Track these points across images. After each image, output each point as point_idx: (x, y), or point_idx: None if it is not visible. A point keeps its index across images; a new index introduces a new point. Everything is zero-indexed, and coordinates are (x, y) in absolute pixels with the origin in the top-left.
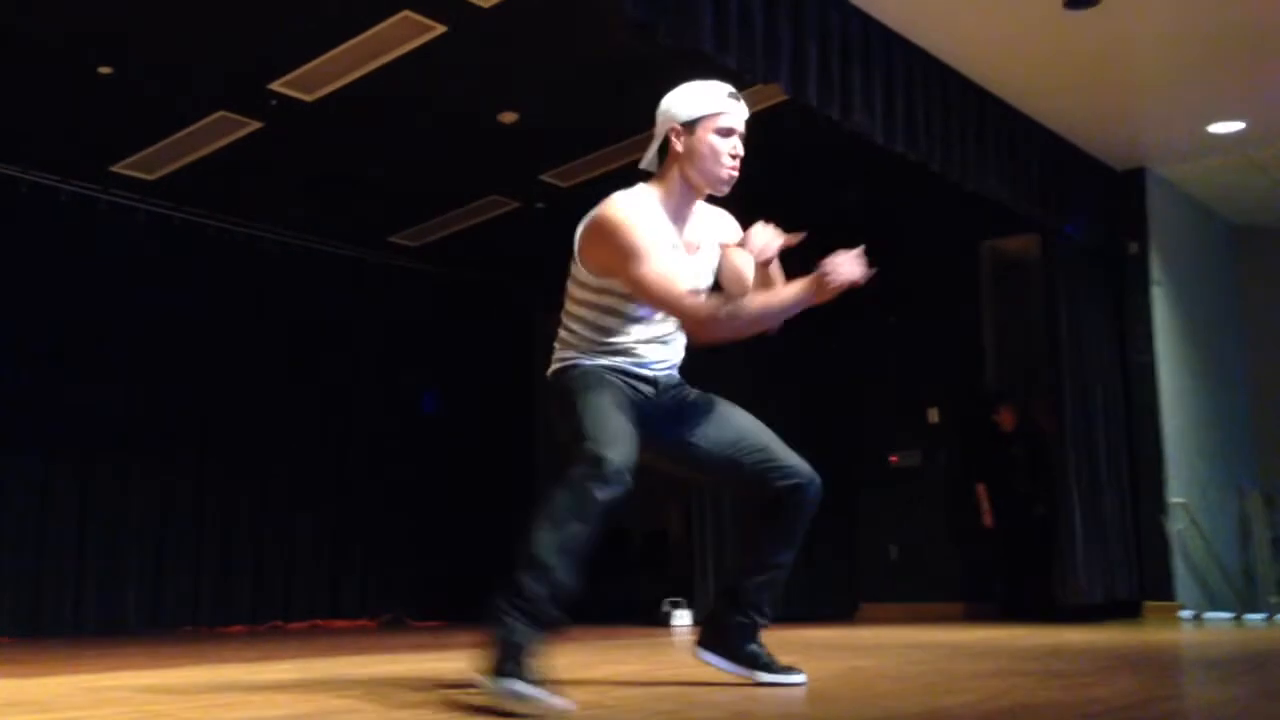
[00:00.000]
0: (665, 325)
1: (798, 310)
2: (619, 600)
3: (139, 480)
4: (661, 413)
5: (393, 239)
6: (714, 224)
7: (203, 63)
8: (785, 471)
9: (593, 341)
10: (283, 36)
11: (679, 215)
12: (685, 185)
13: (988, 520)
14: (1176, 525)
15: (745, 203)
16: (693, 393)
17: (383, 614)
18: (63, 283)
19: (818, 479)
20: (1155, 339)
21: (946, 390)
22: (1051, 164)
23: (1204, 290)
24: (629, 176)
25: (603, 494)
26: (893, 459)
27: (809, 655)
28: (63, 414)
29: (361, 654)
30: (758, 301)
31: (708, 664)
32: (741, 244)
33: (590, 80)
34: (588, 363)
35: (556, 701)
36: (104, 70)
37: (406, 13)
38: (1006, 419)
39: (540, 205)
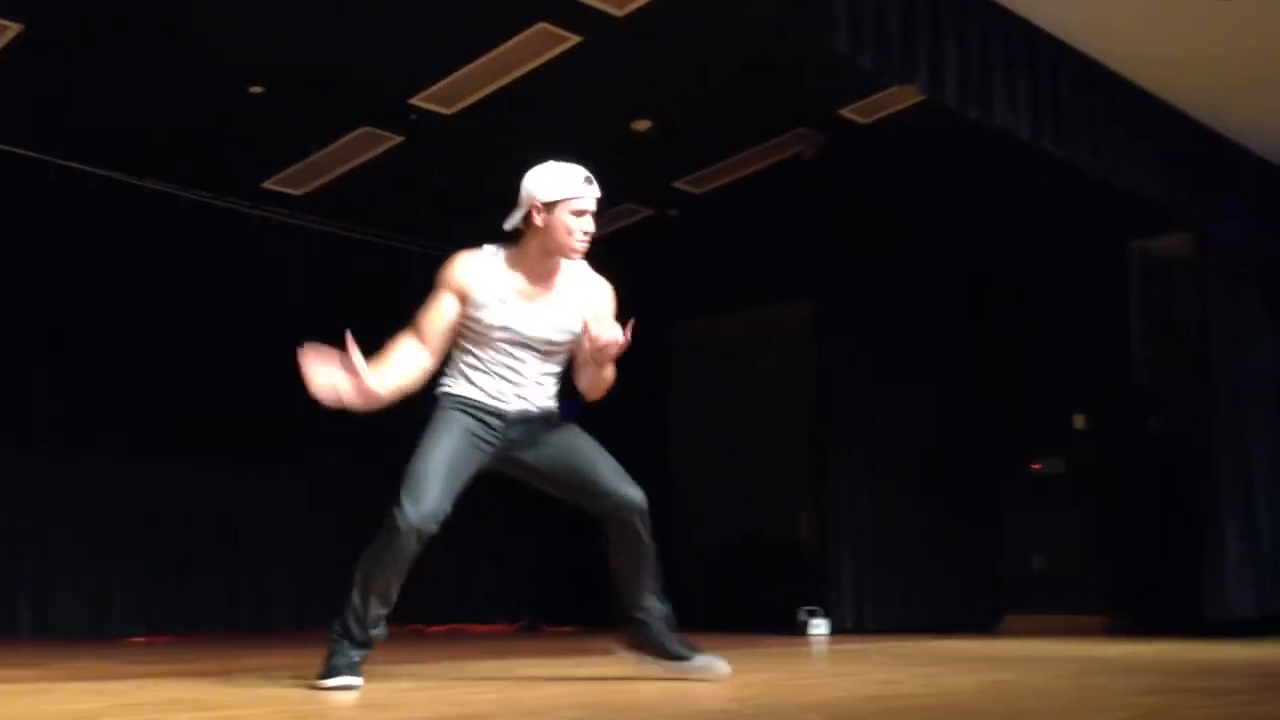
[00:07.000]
0: (520, 373)
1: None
2: (757, 608)
3: (289, 483)
4: (509, 441)
5: None
6: (585, 287)
7: (346, 80)
8: (612, 494)
9: (460, 373)
10: (423, 52)
11: (535, 273)
12: (543, 251)
13: None
14: None
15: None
16: (551, 425)
17: (520, 619)
18: (218, 297)
19: (641, 500)
20: None
21: (1091, 396)
22: (1205, 160)
23: None
24: (761, 181)
25: (400, 541)
26: (1035, 466)
27: (949, 668)
28: (227, 420)
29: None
30: (390, 374)
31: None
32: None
33: (723, 85)
34: (452, 391)
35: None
36: (255, 89)
37: (543, 24)
38: (1155, 424)
39: (673, 212)
